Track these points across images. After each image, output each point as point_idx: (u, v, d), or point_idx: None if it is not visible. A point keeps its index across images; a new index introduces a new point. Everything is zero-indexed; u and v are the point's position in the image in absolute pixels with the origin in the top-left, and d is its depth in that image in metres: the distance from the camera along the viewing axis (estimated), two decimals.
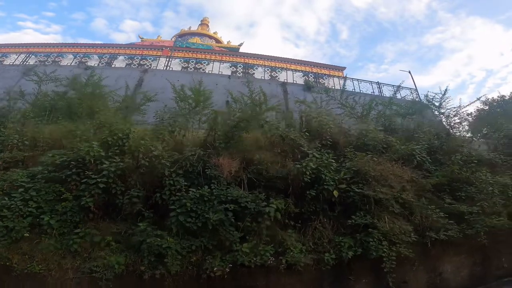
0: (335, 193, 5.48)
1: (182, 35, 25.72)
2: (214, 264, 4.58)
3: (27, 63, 12.66)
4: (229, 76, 14.54)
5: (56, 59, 14.62)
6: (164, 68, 13.95)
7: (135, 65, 14.65)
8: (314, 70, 18.45)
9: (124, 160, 4.96)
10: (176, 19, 79.29)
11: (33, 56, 14.14)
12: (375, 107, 9.61)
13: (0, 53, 16.01)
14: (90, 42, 20.60)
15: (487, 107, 14.59)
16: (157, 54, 17.50)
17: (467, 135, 10.08)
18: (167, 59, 14.54)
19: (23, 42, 19.13)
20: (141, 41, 23.00)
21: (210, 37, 26.34)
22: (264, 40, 73.50)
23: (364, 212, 5.34)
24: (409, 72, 16.22)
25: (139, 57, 15.35)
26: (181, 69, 15.20)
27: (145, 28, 75.86)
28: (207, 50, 20.24)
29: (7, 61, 13.80)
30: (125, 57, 15.23)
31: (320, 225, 5.49)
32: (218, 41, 26.28)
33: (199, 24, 28.02)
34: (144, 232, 4.55)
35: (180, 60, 15.70)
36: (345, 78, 15.41)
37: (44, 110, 7.09)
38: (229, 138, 5.89)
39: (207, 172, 5.21)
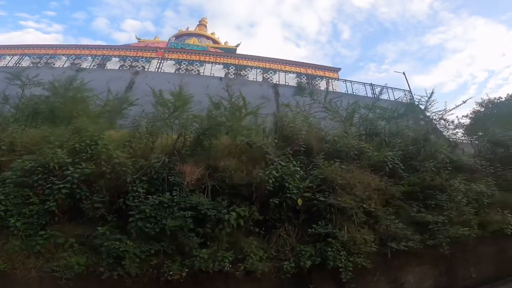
0: (299, 201, 5.49)
1: (179, 36, 25.81)
2: (172, 268, 4.71)
3: (20, 65, 12.96)
4: (220, 78, 14.58)
5: (49, 60, 14.91)
6: (156, 70, 14.09)
7: (127, 66, 14.82)
8: (309, 71, 18.34)
9: (88, 166, 5.09)
10: (177, 19, 79.75)
11: (27, 58, 14.48)
12: (358, 110, 9.49)
13: None
14: (85, 44, 20.85)
15: (483, 109, 14.27)
16: (151, 55, 17.63)
17: (457, 139, 9.89)
18: (159, 61, 14.66)
19: (18, 44, 19.60)
20: (138, 42, 23.22)
21: (208, 37, 26.37)
22: (265, 40, 73.31)
23: (326, 221, 5.33)
24: (403, 73, 16.00)
25: (131, 59, 15.52)
26: (175, 71, 15.32)
27: (146, 28, 76.39)
28: (201, 52, 20.30)
29: (1, 63, 14.16)
30: (118, 59, 15.40)
31: (284, 232, 5.50)
32: (215, 41, 26.28)
33: (197, 25, 28.08)
34: (104, 236, 4.72)
35: (174, 62, 15.82)
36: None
37: (26, 115, 7.29)
38: (197, 145, 5.96)
39: (170, 179, 5.31)
